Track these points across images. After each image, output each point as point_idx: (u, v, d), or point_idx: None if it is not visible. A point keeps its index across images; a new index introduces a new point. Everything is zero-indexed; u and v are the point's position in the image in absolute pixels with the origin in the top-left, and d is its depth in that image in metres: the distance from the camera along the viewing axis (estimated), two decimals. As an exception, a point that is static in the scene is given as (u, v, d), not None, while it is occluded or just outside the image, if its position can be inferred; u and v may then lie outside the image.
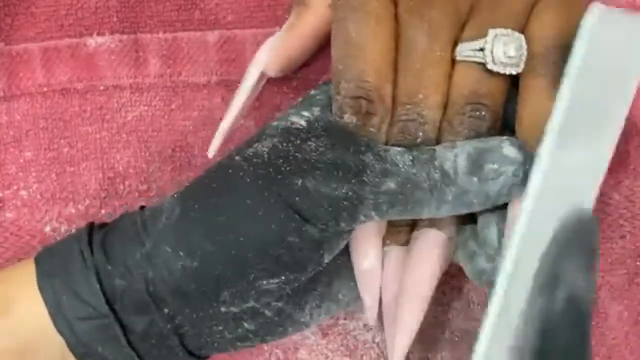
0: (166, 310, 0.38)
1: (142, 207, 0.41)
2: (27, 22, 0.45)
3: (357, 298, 0.42)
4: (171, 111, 0.46)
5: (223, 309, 0.39)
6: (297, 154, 0.38)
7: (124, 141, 0.45)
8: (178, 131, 0.46)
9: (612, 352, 0.45)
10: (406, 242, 0.41)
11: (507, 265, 0.36)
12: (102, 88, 0.45)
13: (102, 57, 0.45)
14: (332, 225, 0.37)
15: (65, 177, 0.45)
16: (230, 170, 0.38)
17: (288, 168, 0.37)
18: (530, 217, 0.36)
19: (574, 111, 0.36)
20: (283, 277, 0.38)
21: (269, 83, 0.45)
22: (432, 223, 0.40)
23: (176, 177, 0.46)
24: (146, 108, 0.45)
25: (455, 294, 0.46)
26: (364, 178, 0.37)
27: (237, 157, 0.39)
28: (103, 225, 0.41)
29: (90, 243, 0.39)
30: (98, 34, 0.45)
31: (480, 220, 0.40)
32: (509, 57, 0.38)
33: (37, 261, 0.40)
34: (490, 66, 0.38)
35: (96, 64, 0.45)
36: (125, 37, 0.45)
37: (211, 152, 0.43)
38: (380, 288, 0.41)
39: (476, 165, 0.38)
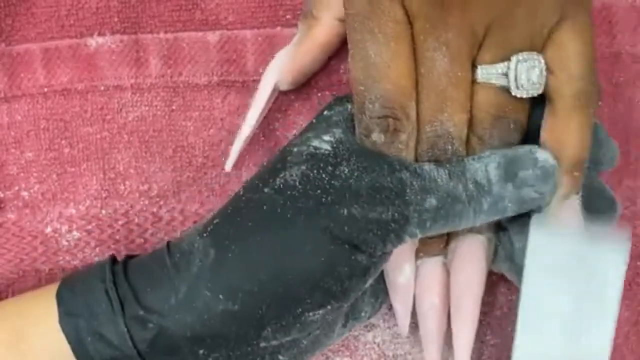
0: (201, 352, 0.38)
1: (167, 245, 0.40)
2: (28, 22, 0.45)
3: (375, 312, 0.43)
4: (172, 111, 0.46)
5: (263, 345, 0.39)
6: (333, 181, 0.38)
7: (124, 141, 0.45)
8: (179, 131, 0.46)
9: (612, 352, 0.45)
10: (439, 253, 0.42)
11: None
12: (102, 88, 0.45)
13: (103, 58, 0.45)
14: (380, 248, 0.38)
15: (66, 178, 0.45)
16: (265, 207, 0.38)
17: (329, 198, 0.37)
18: None
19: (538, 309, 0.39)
20: (329, 307, 0.38)
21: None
22: (471, 228, 0.41)
23: (177, 178, 0.46)
24: (147, 108, 0.45)
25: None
26: (407, 197, 0.38)
27: (266, 190, 0.38)
28: (126, 259, 0.40)
29: (114, 282, 0.39)
30: (99, 35, 0.45)
31: (515, 239, 0.41)
32: (532, 83, 0.39)
33: (59, 299, 0.39)
34: (514, 92, 0.39)
35: (97, 65, 0.45)
36: (126, 37, 0.45)
37: (228, 166, 0.44)
38: (414, 299, 0.42)
39: (510, 172, 0.38)
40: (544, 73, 0.39)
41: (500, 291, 0.46)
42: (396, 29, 0.38)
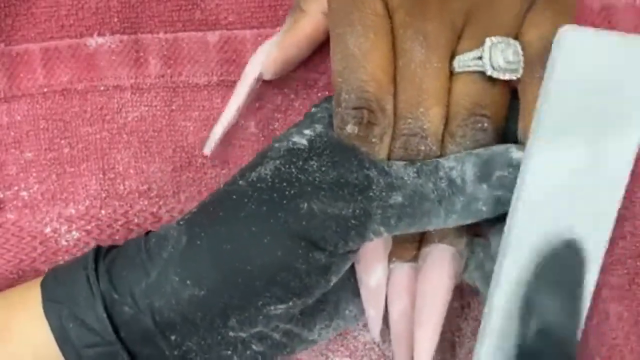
0: (173, 338, 0.38)
1: (147, 233, 0.41)
2: (28, 22, 0.45)
3: (364, 312, 0.42)
4: (172, 111, 0.46)
5: (232, 334, 0.39)
6: (300, 175, 0.38)
7: (124, 142, 0.45)
8: (178, 131, 0.46)
9: (612, 352, 0.45)
10: (412, 259, 0.41)
11: (494, 284, 0.36)
12: (102, 88, 0.45)
13: (102, 58, 0.45)
14: (342, 246, 0.38)
15: (65, 178, 0.45)
16: (234, 197, 0.38)
17: (292, 192, 0.37)
18: (517, 232, 0.36)
19: (557, 122, 0.36)
20: (291, 303, 0.38)
21: (269, 83, 0.45)
22: (442, 238, 0.41)
23: (176, 178, 0.46)
24: (147, 108, 0.45)
25: (456, 295, 0.46)
26: (371, 194, 0.37)
27: (240, 182, 0.39)
28: (109, 249, 0.41)
29: (96, 269, 0.39)
30: (98, 35, 0.45)
31: (494, 244, 0.40)
32: (508, 62, 0.38)
33: (43, 287, 0.39)
34: (490, 72, 0.39)
35: (97, 65, 0.45)
36: (125, 37, 0.45)
37: (207, 149, 0.44)
38: (386, 303, 0.41)
39: (485, 172, 0.38)
40: (520, 56, 0.39)
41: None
42: (376, 22, 0.39)
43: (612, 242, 0.45)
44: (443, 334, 0.45)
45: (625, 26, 0.46)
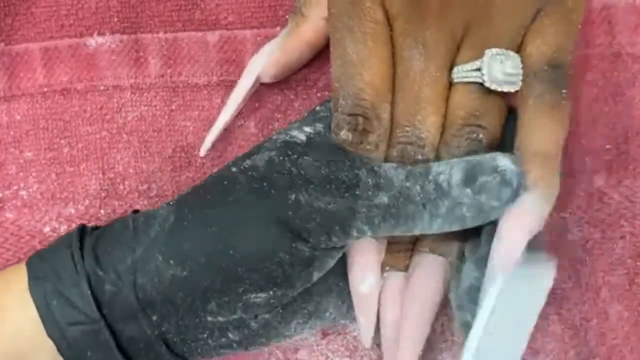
0: (154, 318, 0.38)
1: (135, 211, 0.41)
2: (28, 22, 0.45)
3: (343, 315, 0.42)
4: (171, 111, 0.46)
5: (210, 319, 0.39)
6: (292, 168, 0.38)
7: (124, 141, 0.45)
8: (178, 131, 0.46)
9: (612, 352, 0.45)
10: (405, 268, 0.41)
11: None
12: (102, 88, 0.45)
13: (102, 57, 0.45)
14: (325, 240, 0.38)
15: (65, 177, 0.45)
16: (225, 182, 0.39)
17: (282, 183, 0.38)
18: None
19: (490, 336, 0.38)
20: (271, 292, 0.38)
21: (269, 83, 0.45)
22: (434, 248, 0.41)
23: (176, 178, 0.46)
24: (146, 108, 0.46)
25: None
26: (357, 192, 0.38)
27: (233, 169, 0.39)
28: (95, 228, 0.41)
29: (81, 247, 0.39)
30: (98, 34, 0.45)
31: (465, 269, 0.40)
32: (507, 74, 0.38)
33: (29, 265, 0.40)
34: (488, 84, 0.39)
35: (96, 64, 0.45)
36: (125, 37, 0.45)
37: (203, 150, 0.44)
38: (378, 311, 0.41)
39: (470, 177, 0.38)
40: (520, 66, 0.39)
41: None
42: (375, 29, 0.39)
43: (612, 242, 0.46)
44: (441, 334, 0.45)
45: (625, 26, 0.46)
